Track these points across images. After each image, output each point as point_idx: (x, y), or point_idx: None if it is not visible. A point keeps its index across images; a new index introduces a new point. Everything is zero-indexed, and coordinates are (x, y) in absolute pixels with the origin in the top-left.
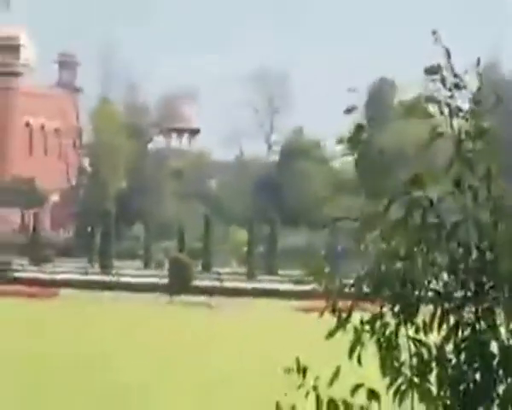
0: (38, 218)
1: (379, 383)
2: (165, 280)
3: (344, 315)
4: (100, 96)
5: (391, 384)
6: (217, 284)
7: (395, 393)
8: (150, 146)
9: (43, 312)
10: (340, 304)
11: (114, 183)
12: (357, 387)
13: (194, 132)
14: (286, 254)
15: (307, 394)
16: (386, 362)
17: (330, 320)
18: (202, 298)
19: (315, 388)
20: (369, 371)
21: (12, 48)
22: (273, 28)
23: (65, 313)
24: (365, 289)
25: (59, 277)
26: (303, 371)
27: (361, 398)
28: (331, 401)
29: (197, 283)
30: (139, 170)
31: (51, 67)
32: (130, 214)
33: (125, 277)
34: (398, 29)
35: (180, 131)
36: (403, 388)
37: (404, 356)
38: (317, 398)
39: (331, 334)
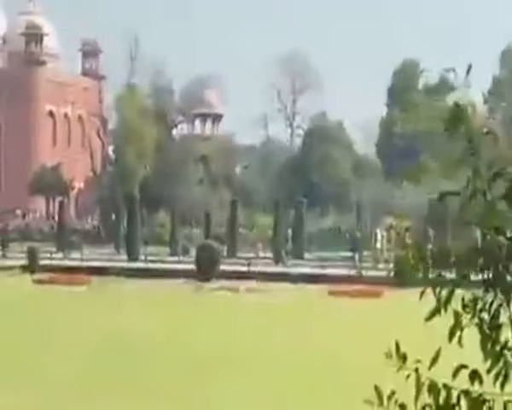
0: (64, 206)
1: (476, 367)
2: (192, 266)
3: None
4: (124, 82)
5: (491, 368)
6: (244, 268)
7: (496, 377)
8: (175, 132)
9: (91, 297)
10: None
11: (139, 169)
12: (459, 368)
13: (218, 117)
14: (312, 237)
15: (408, 376)
16: (486, 345)
17: (367, 303)
18: (230, 283)
19: (416, 370)
20: (467, 354)
21: (35, 37)
22: (297, 11)
23: (113, 297)
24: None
25: (87, 264)
26: (403, 355)
27: (462, 381)
28: (432, 385)
29: (224, 268)
30: (164, 156)
31: (75, 55)
32: (154, 201)
33: (153, 263)
34: (424, 11)
35: (204, 117)
36: (503, 372)
37: (506, 338)
38: (418, 381)
39: (430, 317)
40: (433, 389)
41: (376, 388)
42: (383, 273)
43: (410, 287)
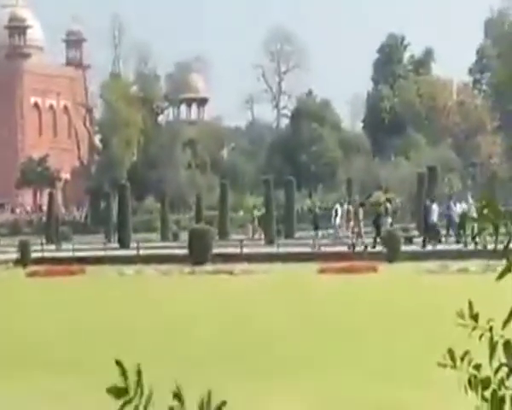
0: (53, 197)
1: None
2: (185, 250)
3: None
4: (109, 70)
5: None
6: (236, 250)
7: None
8: (161, 118)
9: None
10: None
11: (127, 157)
12: None
13: (204, 101)
14: (302, 217)
15: (481, 336)
16: None
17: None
18: (224, 266)
19: (490, 329)
20: None
21: (19, 29)
22: None
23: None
24: None
25: (80, 253)
26: (475, 315)
27: None
28: (507, 344)
29: (216, 251)
30: (151, 142)
31: (59, 46)
32: (142, 187)
33: (145, 249)
34: None
35: (190, 101)
36: None
37: None
38: (491, 341)
39: (500, 276)
40: (508, 348)
41: (450, 350)
42: (374, 250)
43: (399, 262)
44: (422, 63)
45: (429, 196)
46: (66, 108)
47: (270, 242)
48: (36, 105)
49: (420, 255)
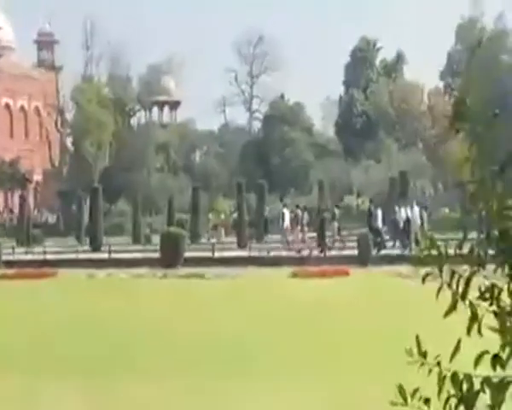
0: (25, 199)
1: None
2: (156, 254)
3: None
4: (82, 72)
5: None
6: (208, 254)
7: None
8: (133, 120)
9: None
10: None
11: (99, 159)
12: (481, 355)
13: (176, 104)
14: (273, 220)
15: (430, 372)
16: (505, 333)
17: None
18: (196, 269)
19: (438, 364)
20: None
21: None
22: None
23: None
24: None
25: (51, 256)
26: (423, 352)
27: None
28: (455, 376)
29: (188, 254)
30: (123, 145)
31: (31, 47)
32: (114, 190)
33: (116, 253)
34: None
35: (162, 104)
36: None
37: None
38: (440, 374)
39: (447, 313)
40: (456, 379)
41: (400, 387)
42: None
43: (370, 265)
44: (394, 67)
45: (400, 200)
46: (37, 109)
47: (242, 245)
48: (7, 106)
49: (392, 259)
